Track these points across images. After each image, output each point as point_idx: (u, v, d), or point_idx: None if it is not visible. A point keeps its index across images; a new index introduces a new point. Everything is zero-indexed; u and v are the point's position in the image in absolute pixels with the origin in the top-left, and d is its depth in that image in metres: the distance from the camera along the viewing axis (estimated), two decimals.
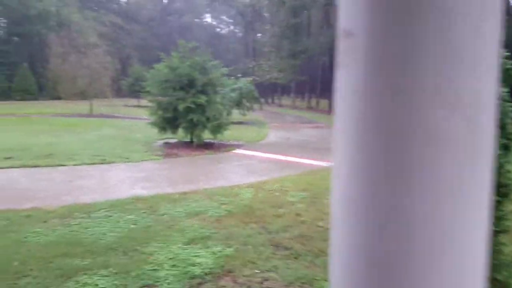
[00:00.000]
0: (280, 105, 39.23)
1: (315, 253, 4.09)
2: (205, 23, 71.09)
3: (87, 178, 7.22)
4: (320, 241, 4.41)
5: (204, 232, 4.58)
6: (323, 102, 40.12)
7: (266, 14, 44.05)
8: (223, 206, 5.63)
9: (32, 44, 42.23)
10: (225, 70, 11.76)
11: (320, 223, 5.04)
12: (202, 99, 10.40)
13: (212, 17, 71.14)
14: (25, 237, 4.24)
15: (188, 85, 10.66)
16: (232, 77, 18.96)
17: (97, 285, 3.29)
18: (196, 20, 67.29)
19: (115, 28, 43.63)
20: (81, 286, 3.27)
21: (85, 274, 3.45)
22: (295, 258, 3.98)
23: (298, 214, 5.40)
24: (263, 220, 5.10)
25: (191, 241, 4.29)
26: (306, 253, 4.08)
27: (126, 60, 43.80)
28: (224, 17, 69.93)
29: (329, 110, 31.89)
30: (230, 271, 3.66)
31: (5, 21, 41.83)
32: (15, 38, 42.28)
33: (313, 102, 40.06)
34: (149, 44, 53.79)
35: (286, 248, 4.21)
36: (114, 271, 3.53)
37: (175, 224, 4.84)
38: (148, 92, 11.30)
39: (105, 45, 23.92)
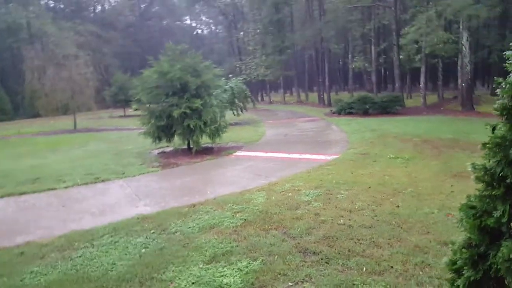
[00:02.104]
0: (271, 102, 38.94)
1: (346, 255, 3.86)
2: (185, 25, 70.27)
3: (82, 200, 6.61)
4: (347, 241, 4.21)
5: (224, 247, 4.18)
6: (312, 95, 39.99)
7: (248, 12, 43.59)
8: (238, 215, 5.23)
9: (3, 60, 40.40)
10: (218, 70, 11.30)
11: (341, 221, 4.82)
12: (197, 103, 9.92)
13: (191, 19, 70.34)
14: (21, 280, 3.69)
15: (181, 90, 10.17)
16: (222, 78, 18.55)
17: None
18: (176, 23, 66.45)
19: (92, 37, 42.50)
20: None
21: None
22: (326, 263, 3.71)
23: (316, 214, 5.12)
24: (283, 225, 4.77)
25: (212, 259, 3.89)
26: (336, 256, 3.83)
27: (107, 69, 42.75)
28: (204, 18, 69.21)
29: (319, 103, 31.68)
30: None
31: None
32: None
33: (302, 96, 39.86)
34: (130, 51, 52.88)
35: (315, 253, 3.93)
36: None
37: (190, 241, 4.42)
38: (138, 100, 10.77)
39: (84, 55, 22.86)
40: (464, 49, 19.09)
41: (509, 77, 1.56)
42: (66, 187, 7.54)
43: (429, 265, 3.53)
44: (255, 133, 15.21)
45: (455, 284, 1.69)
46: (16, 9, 36.54)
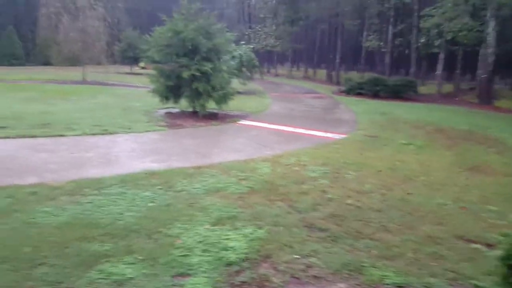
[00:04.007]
0: (277, 75, 38.32)
1: (354, 235, 3.74)
2: None
3: (91, 149, 6.71)
4: (355, 221, 4.09)
5: (230, 211, 4.18)
6: (320, 72, 39.34)
7: None
8: (243, 182, 5.22)
9: (17, 4, 39.63)
10: (230, 35, 11.00)
11: (349, 201, 4.70)
12: (207, 66, 9.72)
13: None
14: (33, 218, 3.76)
15: (191, 51, 9.94)
16: (233, 44, 18.14)
17: (124, 274, 2.88)
18: None
19: None
20: (107, 276, 2.85)
21: (108, 261, 3.04)
22: (333, 241, 3.62)
23: (323, 191, 5.03)
24: (289, 198, 4.73)
25: (217, 222, 3.90)
26: (344, 236, 3.72)
27: (118, 25, 41.92)
28: None
29: (326, 80, 31.24)
30: (267, 257, 3.27)
31: None
32: None
33: (310, 72, 39.23)
34: (140, 8, 51.56)
35: (321, 230, 3.84)
36: (140, 257, 3.12)
37: (195, 202, 4.43)
38: (148, 57, 10.57)
39: (99, 8, 22.46)
40: (489, 38, 18.05)
41: None
42: (74, 135, 7.68)
43: (442, 256, 3.40)
44: (260, 104, 15.05)
45: (510, 280, 1.57)
46: None
